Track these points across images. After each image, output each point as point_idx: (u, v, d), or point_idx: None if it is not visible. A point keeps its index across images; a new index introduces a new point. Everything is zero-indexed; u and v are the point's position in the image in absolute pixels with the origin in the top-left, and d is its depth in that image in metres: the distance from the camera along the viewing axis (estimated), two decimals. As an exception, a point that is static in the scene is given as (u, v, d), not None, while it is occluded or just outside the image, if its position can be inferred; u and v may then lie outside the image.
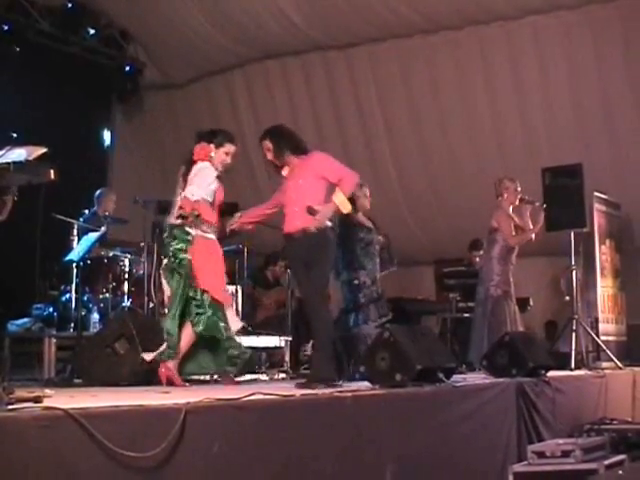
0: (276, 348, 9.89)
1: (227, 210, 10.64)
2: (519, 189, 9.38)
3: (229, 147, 7.06)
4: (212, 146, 7.00)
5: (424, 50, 12.74)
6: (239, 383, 6.85)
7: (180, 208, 6.84)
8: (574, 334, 9.96)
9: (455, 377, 6.65)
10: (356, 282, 8.20)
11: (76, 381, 7.10)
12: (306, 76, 13.74)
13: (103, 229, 9.26)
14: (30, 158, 4.86)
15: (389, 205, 13.32)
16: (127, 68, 13.98)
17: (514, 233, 9.25)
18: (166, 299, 7.07)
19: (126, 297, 9.24)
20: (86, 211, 10.09)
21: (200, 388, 6.33)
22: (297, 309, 10.31)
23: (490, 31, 12.26)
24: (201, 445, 3.91)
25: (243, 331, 7.60)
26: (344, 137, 13.63)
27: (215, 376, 7.10)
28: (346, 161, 13.22)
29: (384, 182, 13.52)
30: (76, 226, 9.39)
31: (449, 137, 13.03)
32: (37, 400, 3.66)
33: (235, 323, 6.99)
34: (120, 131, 14.68)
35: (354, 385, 6.10)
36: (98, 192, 10.33)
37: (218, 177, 6.98)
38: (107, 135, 14.44)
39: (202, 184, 6.88)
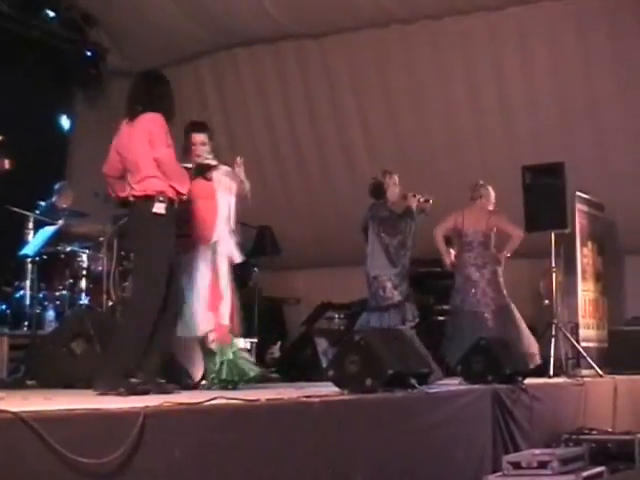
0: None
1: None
2: (492, 198, 9.51)
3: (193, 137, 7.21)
4: None
5: (402, 40, 12.74)
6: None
7: None
8: (553, 340, 10.02)
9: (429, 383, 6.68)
10: (380, 280, 8.28)
11: (30, 382, 7.06)
12: (278, 65, 13.71)
13: (61, 222, 9.21)
14: (-16, 147, 4.83)
15: (362, 200, 13.27)
16: (89, 53, 13.89)
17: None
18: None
19: (84, 294, 9.20)
20: (42, 203, 10.03)
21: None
22: (265, 309, 10.31)
23: (471, 22, 12.27)
24: (161, 450, 3.91)
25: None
26: (317, 129, 13.62)
27: None
28: (318, 153, 13.32)
29: (358, 176, 13.52)
30: (32, 219, 9.35)
31: (426, 132, 13.04)
32: (-13, 402, 3.64)
33: None
34: (81, 119, 14.57)
35: (323, 390, 6.10)
36: (58, 185, 10.29)
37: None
38: (67, 123, 14.34)
39: None
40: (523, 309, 12.22)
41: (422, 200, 8.64)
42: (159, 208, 6.00)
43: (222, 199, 7.11)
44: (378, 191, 8.72)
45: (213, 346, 6.92)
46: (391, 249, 8.45)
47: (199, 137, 7.20)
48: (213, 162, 7.18)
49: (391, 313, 8.26)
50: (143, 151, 6.09)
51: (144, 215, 6.04)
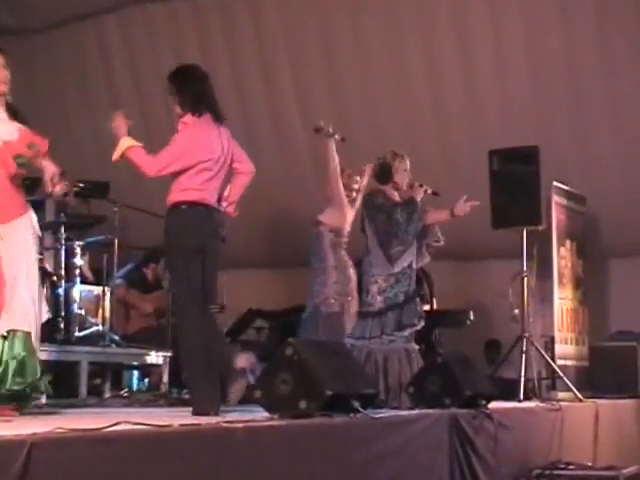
0: (152, 366, 9.85)
1: (97, 191, 10.63)
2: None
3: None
4: None
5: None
6: None
7: None
8: (524, 357, 10.07)
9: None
10: (368, 281, 8.27)
11: None
12: (198, 24, 13.69)
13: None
14: None
15: (296, 180, 13.27)
16: (-29, 7, 13.79)
17: None
18: None
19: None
20: None
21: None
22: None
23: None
24: (50, 486, 3.87)
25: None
26: (243, 95, 13.56)
27: None
28: (245, 124, 13.21)
29: (291, 152, 13.52)
30: None
31: (376, 107, 13.06)
32: None
33: None
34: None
35: (248, 414, 6.09)
36: None
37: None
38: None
39: None
40: (488, 319, 12.35)
41: (429, 192, 8.57)
42: None
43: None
44: (384, 174, 8.54)
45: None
46: (385, 243, 8.39)
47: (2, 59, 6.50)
48: None
49: (372, 323, 8.24)
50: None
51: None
